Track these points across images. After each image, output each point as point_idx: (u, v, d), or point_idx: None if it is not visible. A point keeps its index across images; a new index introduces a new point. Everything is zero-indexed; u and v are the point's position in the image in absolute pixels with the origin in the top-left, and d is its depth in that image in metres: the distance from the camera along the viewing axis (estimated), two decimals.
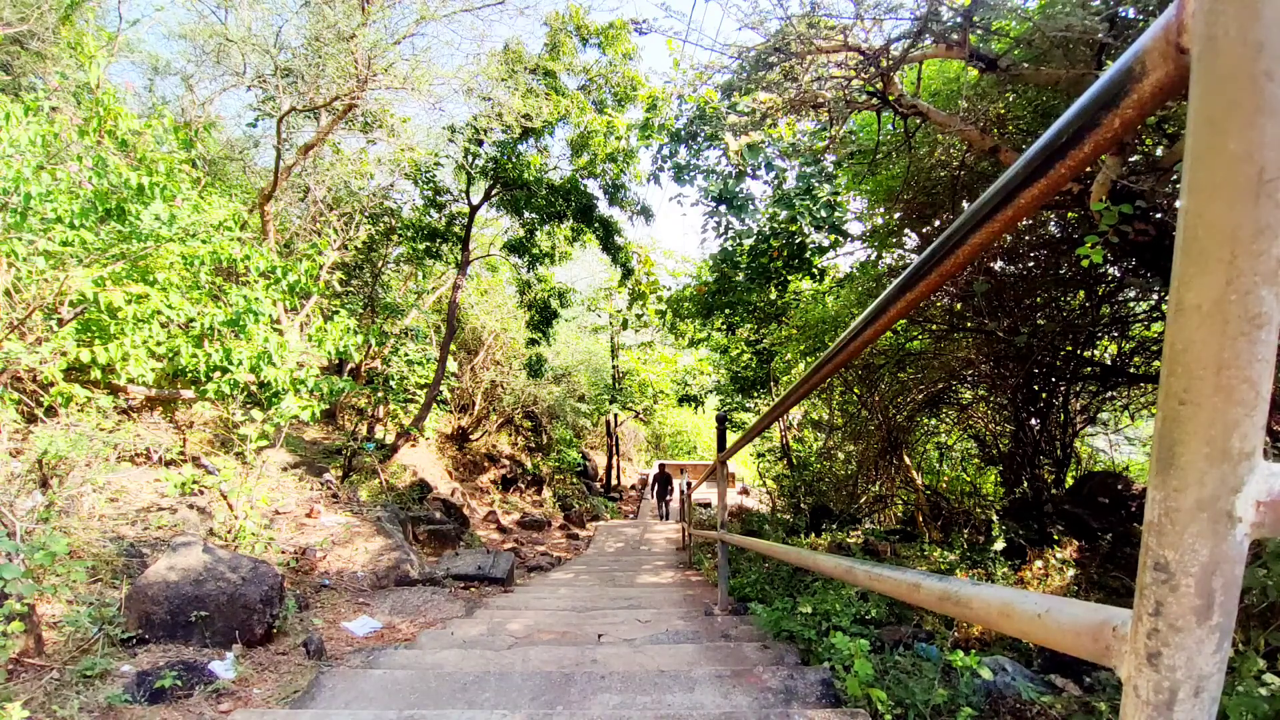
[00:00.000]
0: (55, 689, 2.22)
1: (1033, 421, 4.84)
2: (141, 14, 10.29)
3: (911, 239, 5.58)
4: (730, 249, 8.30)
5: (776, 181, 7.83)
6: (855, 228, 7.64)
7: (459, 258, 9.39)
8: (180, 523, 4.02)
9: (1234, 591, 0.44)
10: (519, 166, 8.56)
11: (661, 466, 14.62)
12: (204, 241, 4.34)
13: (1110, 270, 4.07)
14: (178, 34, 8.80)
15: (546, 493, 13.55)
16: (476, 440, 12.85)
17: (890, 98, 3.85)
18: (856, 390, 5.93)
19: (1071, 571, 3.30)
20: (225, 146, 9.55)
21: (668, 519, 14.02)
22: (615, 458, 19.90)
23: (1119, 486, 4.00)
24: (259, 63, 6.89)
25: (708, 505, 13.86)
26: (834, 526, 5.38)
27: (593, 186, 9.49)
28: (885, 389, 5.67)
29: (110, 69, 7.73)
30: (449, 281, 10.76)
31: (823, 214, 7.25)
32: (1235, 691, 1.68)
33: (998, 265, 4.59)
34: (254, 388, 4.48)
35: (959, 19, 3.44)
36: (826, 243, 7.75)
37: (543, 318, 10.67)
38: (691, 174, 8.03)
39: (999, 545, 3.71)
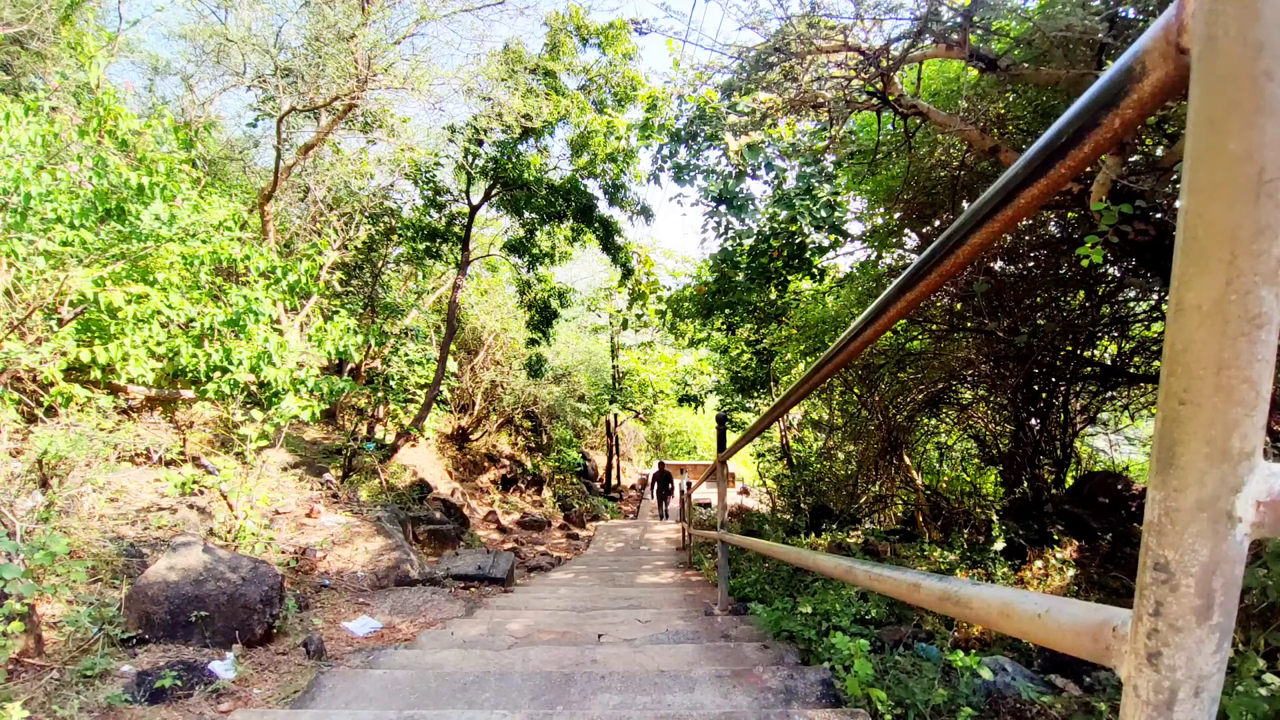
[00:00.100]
0: (55, 689, 2.22)
1: (1033, 421, 4.84)
2: (141, 14, 10.30)
3: (911, 239, 5.58)
4: (730, 249, 8.30)
5: (776, 181, 7.83)
6: (855, 228, 7.64)
7: (459, 258, 9.39)
8: (180, 523, 4.02)
9: (1234, 591, 0.44)
10: (519, 166, 8.56)
11: (661, 465, 14.61)
12: (204, 241, 4.34)
13: (1110, 270, 4.07)
14: (178, 34, 8.81)
15: (546, 493, 13.55)
16: (476, 440, 12.85)
17: (890, 98, 3.85)
18: (856, 390, 5.93)
19: (1071, 571, 3.30)
20: (225, 146, 9.55)
21: (667, 518, 14.01)
22: (615, 458, 19.90)
23: (1119, 486, 4.00)
24: (259, 63, 6.89)
25: (708, 505, 13.86)
26: (834, 526, 5.38)
27: (593, 186, 9.49)
28: (885, 389, 5.67)
29: (110, 69, 7.73)
30: (449, 281, 10.76)
31: (823, 214, 7.25)
32: (1235, 691, 1.68)
33: (998, 265, 4.59)
34: (254, 388, 4.48)
35: (959, 19, 3.44)
36: (826, 243, 7.75)
37: (543, 318, 10.67)
38: (691, 174, 8.03)
39: (999, 545, 3.71)
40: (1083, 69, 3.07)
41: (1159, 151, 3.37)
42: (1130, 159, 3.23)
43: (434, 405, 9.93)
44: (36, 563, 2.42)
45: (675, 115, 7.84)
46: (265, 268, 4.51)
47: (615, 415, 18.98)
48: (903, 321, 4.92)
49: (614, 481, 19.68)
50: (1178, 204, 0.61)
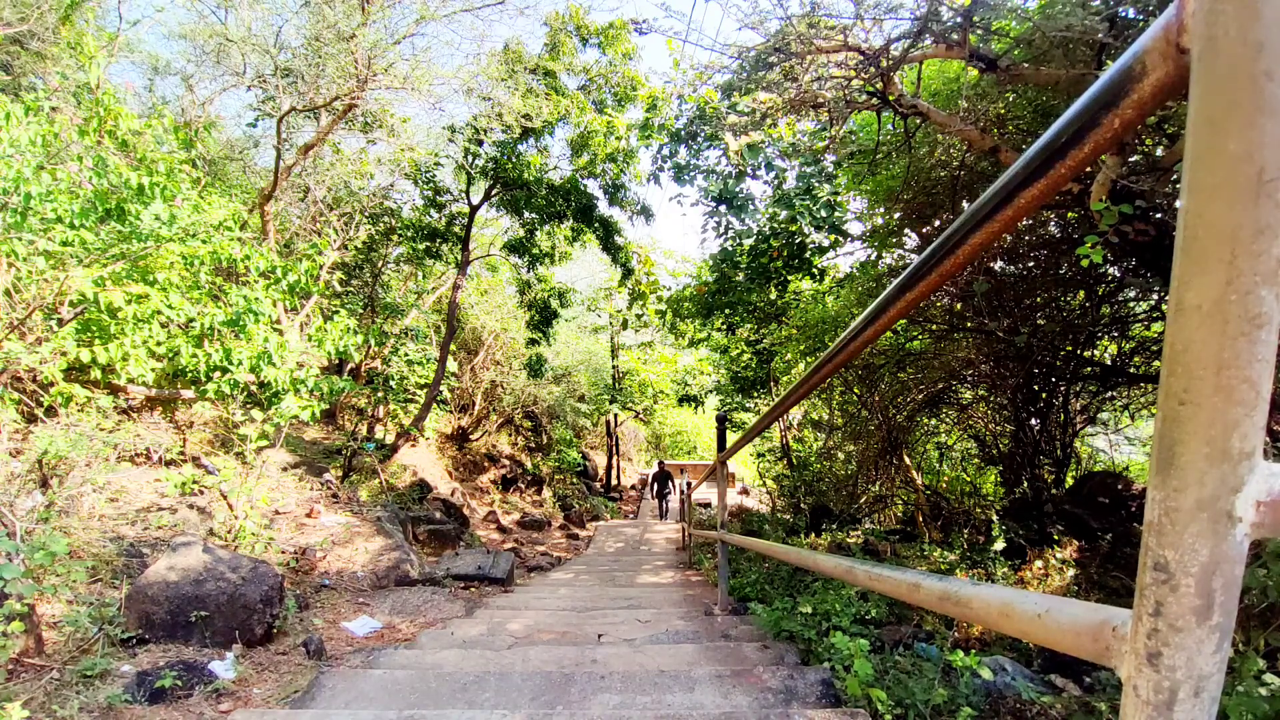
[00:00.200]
0: (55, 689, 2.22)
1: (1033, 421, 4.84)
2: (141, 14, 10.30)
3: (911, 239, 5.58)
4: (730, 249, 8.30)
5: (776, 181, 7.83)
6: (855, 228, 7.64)
7: (459, 258, 9.39)
8: (180, 523, 4.02)
9: (1234, 591, 0.44)
10: (519, 166, 8.56)
11: (661, 465, 14.59)
12: (204, 241, 4.34)
13: (1110, 270, 4.07)
14: (178, 34, 8.80)
15: (546, 493, 13.55)
16: (476, 440, 12.85)
17: (890, 98, 3.85)
18: (856, 390, 5.93)
19: (1071, 571, 3.30)
20: (225, 146, 9.55)
21: (666, 518, 14.00)
22: (615, 458, 19.90)
23: (1119, 486, 4.00)
24: (259, 63, 6.89)
25: (708, 505, 13.85)
26: (834, 526, 5.38)
27: (593, 186, 9.49)
28: (885, 389, 5.67)
29: (110, 69, 7.73)
30: (449, 281, 10.76)
31: (823, 214, 7.25)
32: (1235, 691, 1.68)
33: (998, 265, 4.59)
34: (254, 388, 4.48)
35: (959, 19, 3.44)
36: (826, 243, 7.75)
37: (543, 318, 10.67)
38: (691, 174, 8.03)
39: (999, 545, 3.71)
40: (1083, 69, 3.07)
41: (1159, 151, 3.37)
42: (1130, 159, 3.23)
43: (434, 405, 9.93)
44: (36, 563, 2.42)
45: (675, 115, 7.84)
46: (265, 268, 4.51)
47: (615, 415, 18.98)
48: (903, 321, 4.92)
49: (614, 481, 19.68)
50: (1178, 204, 0.61)
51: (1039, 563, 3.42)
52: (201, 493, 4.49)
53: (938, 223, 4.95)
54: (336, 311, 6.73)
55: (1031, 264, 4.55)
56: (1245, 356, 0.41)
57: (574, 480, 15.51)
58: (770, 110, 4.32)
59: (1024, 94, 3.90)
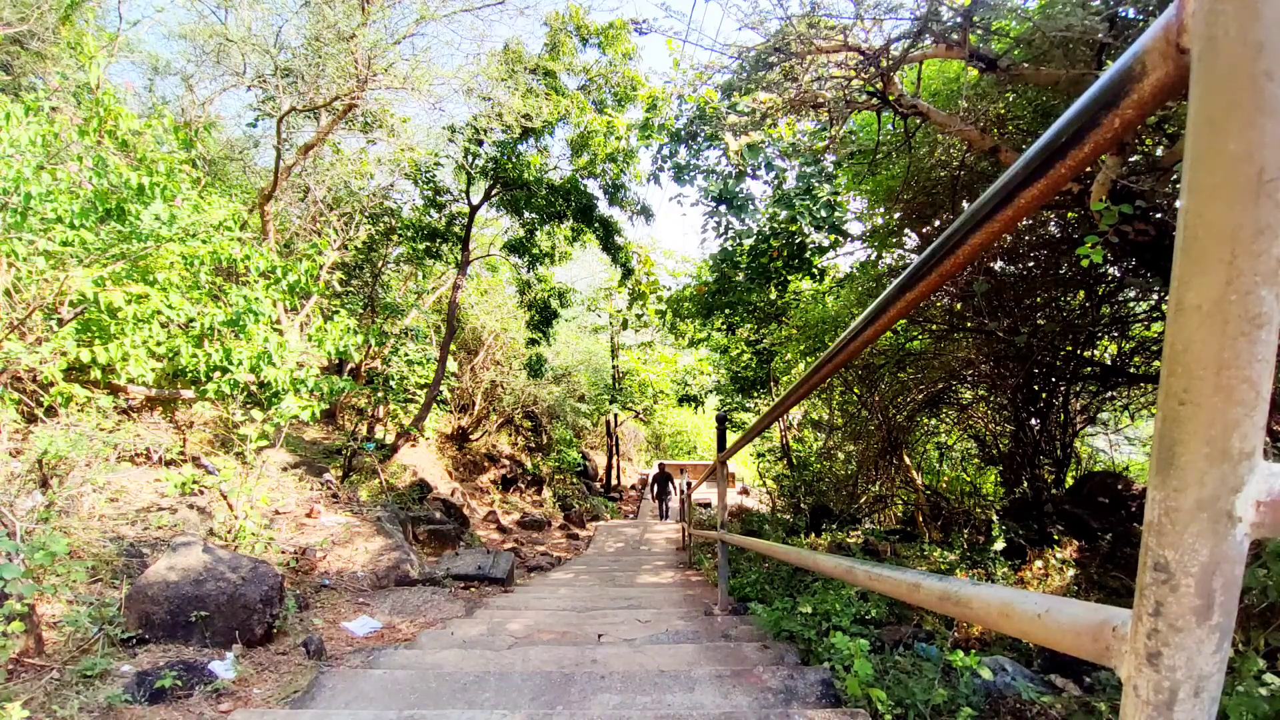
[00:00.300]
0: (55, 689, 2.22)
1: (1033, 421, 4.84)
2: (142, 14, 10.30)
3: (911, 239, 5.58)
4: (730, 249, 8.30)
5: (776, 181, 7.83)
6: (855, 228, 7.64)
7: (459, 258, 9.39)
8: (180, 523, 4.02)
9: (1234, 591, 0.44)
10: (519, 166, 8.56)
11: (662, 466, 14.60)
12: (204, 241, 4.34)
13: (1110, 270, 4.07)
14: (178, 34, 8.80)
15: (546, 493, 13.55)
16: (476, 440, 12.85)
17: (890, 98, 3.85)
18: (856, 390, 5.93)
19: (1071, 571, 3.30)
20: (225, 146, 9.55)
21: (667, 519, 14.00)
22: (615, 458, 19.90)
23: (1119, 486, 4.00)
24: (259, 63, 6.89)
25: (708, 505, 13.85)
26: (834, 526, 5.38)
27: (593, 186, 9.49)
28: (885, 389, 5.67)
29: (110, 69, 7.73)
30: (449, 281, 10.76)
31: (823, 214, 7.25)
32: (1235, 691, 1.67)
33: (998, 265, 4.59)
34: (254, 388, 4.48)
35: (959, 19, 3.44)
36: (826, 243, 7.75)
37: (543, 318, 10.67)
38: (691, 174, 8.03)
39: (999, 545, 3.71)
40: (1083, 69, 3.07)
41: (1159, 151, 3.37)
42: (1130, 159, 3.23)
43: (434, 405, 9.93)
44: (36, 563, 2.42)
45: (675, 115, 7.84)
46: (265, 268, 4.51)
47: (615, 415, 18.98)
48: (903, 321, 4.92)
49: (614, 481, 19.68)
50: (1178, 204, 0.61)
51: (1039, 563, 3.42)
52: (201, 493, 4.49)
53: (938, 223, 4.95)
54: (336, 311, 6.74)
55: (1031, 264, 4.55)
56: (1245, 356, 0.41)
57: (574, 480, 15.51)
58: (770, 110, 4.32)
59: (1024, 94, 3.90)
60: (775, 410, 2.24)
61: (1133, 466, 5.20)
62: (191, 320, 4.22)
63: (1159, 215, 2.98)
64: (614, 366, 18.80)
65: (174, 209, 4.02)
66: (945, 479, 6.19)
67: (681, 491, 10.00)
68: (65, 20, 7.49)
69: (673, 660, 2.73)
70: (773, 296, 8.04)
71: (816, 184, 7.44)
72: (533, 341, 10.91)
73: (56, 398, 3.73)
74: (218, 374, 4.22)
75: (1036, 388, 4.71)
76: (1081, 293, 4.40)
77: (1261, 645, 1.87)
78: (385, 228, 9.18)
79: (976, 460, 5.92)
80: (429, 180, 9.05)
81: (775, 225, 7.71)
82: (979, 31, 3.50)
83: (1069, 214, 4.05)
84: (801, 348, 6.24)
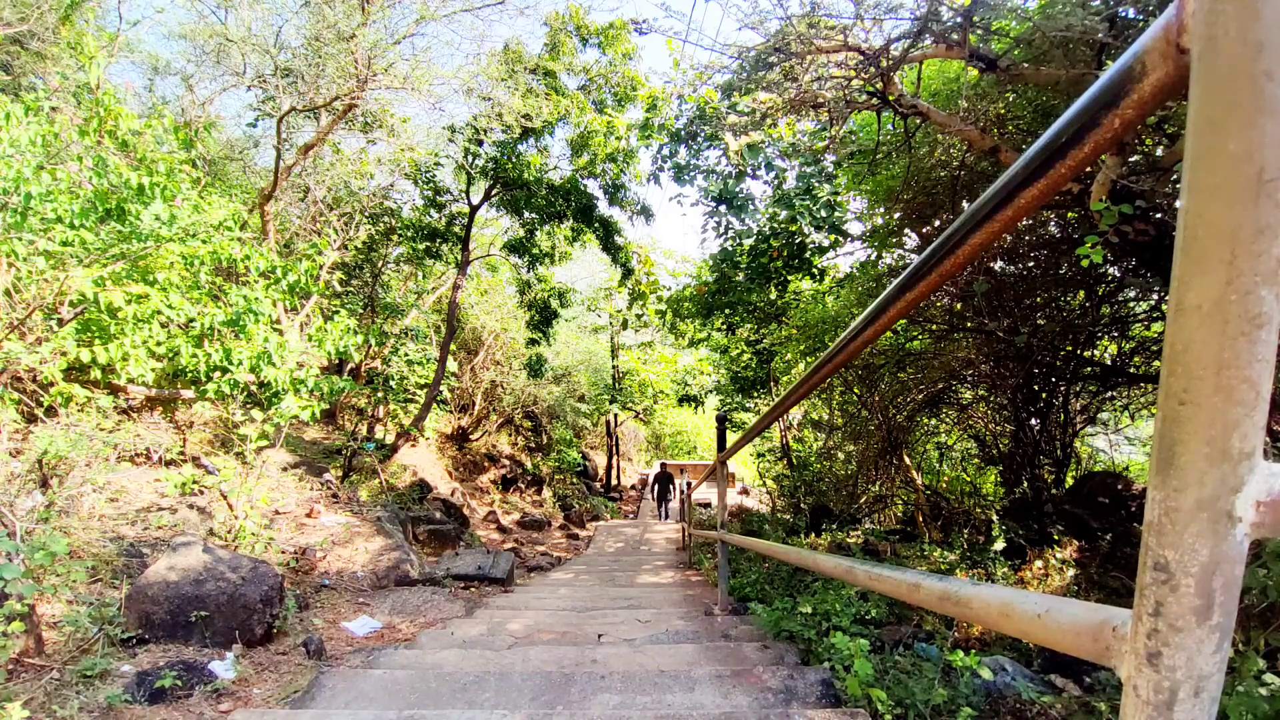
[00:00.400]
0: (55, 689, 2.22)
1: (1033, 421, 4.84)
2: (142, 14, 10.30)
3: (911, 239, 5.58)
4: (730, 249, 8.30)
5: (776, 181, 7.83)
6: (855, 228, 7.64)
7: (459, 258, 9.39)
8: (180, 523, 4.02)
9: (1234, 591, 0.44)
10: (519, 166, 8.56)
11: (663, 466, 14.57)
12: (204, 241, 4.34)
13: (1110, 270, 4.07)
14: (178, 34, 8.81)
15: (546, 493, 13.55)
16: (476, 440, 12.85)
17: (890, 98, 3.85)
18: (856, 390, 5.93)
19: (1071, 571, 3.30)
20: (225, 146, 9.55)
21: (667, 519, 14.00)
22: (615, 458, 19.89)
23: (1119, 486, 4.00)
24: (259, 63, 6.89)
25: (708, 505, 13.85)
26: (834, 526, 5.38)
27: (593, 186, 9.49)
28: (885, 389, 5.67)
29: (110, 69, 7.73)
30: (449, 281, 10.76)
31: (823, 214, 7.25)
32: (1235, 691, 1.67)
33: (998, 265, 4.59)
34: (254, 388, 4.48)
35: (959, 19, 3.44)
36: (826, 243, 7.75)
37: (543, 318, 10.67)
38: (691, 174, 8.03)
39: (999, 545, 3.71)
40: (1083, 69, 3.07)
41: (1159, 151, 3.37)
42: (1130, 159, 3.23)
43: (434, 405, 9.93)
44: (36, 563, 2.42)
45: (675, 115, 7.85)
46: (265, 268, 4.51)
47: (615, 415, 18.98)
48: (903, 321, 4.92)
49: (614, 481, 19.68)
50: (1178, 204, 0.61)
51: (1039, 563, 3.42)
52: (201, 493, 4.49)
53: (938, 223, 4.95)
54: (336, 311, 6.74)
55: (1031, 264, 4.55)
56: (1245, 356, 0.41)
57: (574, 480, 15.51)
58: (770, 110, 4.32)
59: (1024, 94, 3.90)
60: (775, 410, 2.24)
61: (1133, 466, 5.20)
62: (191, 320, 4.22)
63: (1159, 215, 2.98)
64: (614, 366, 18.80)
65: (174, 209, 4.02)
66: (945, 479, 6.19)
67: (682, 491, 10.00)
68: (65, 20, 7.49)
69: (673, 660, 2.73)
70: (773, 296, 8.04)
71: (816, 184, 7.44)
72: (533, 341, 10.91)
73: (56, 398, 3.73)
74: (218, 374, 4.22)
75: (1036, 388, 4.71)
76: (1081, 293, 4.40)
77: (1261, 645, 1.87)
78: (385, 228, 9.18)
79: (976, 460, 5.92)
80: (429, 180, 9.05)
81: (775, 225, 7.71)
82: (979, 31, 3.50)
83: (1069, 214, 4.05)
84: (801, 348, 6.25)
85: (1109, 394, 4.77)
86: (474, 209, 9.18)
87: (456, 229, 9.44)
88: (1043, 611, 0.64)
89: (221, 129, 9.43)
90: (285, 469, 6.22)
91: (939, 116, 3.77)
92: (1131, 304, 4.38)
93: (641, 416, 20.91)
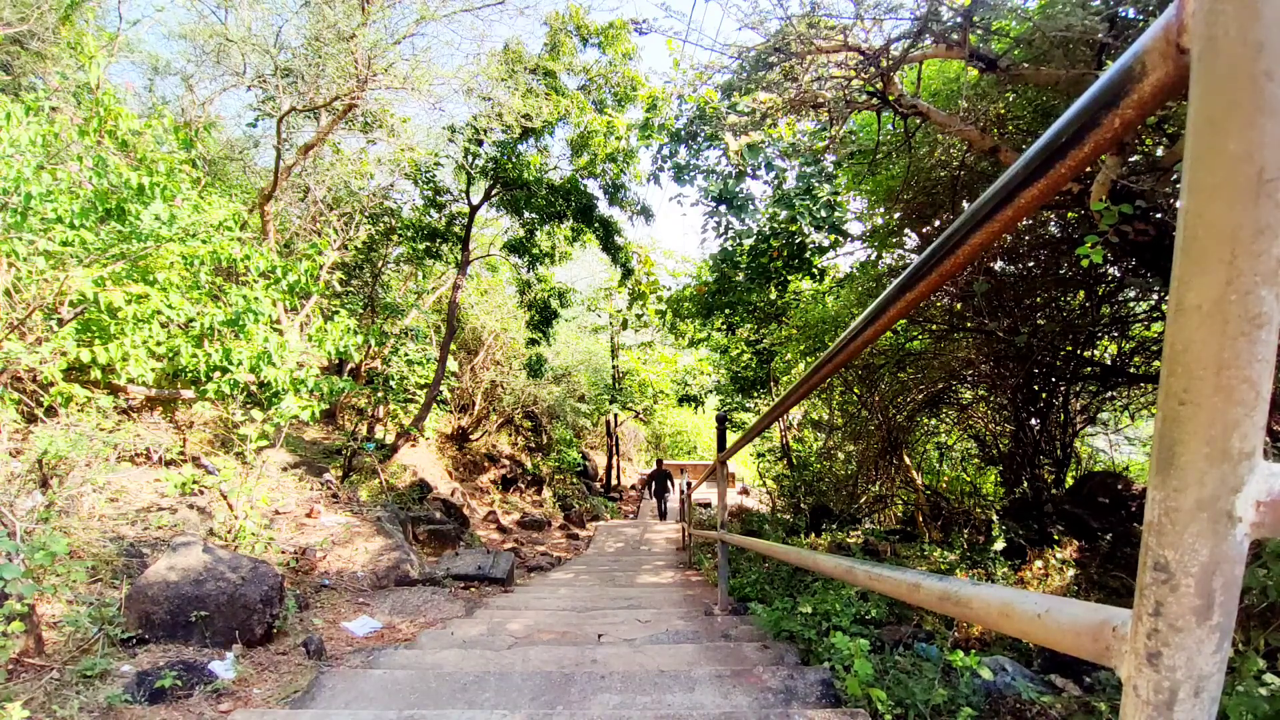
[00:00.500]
0: (55, 689, 2.22)
1: (1033, 421, 4.84)
2: (142, 14, 10.30)
3: (911, 239, 5.58)
4: (730, 249, 8.30)
5: (776, 181, 7.83)
6: (855, 228, 7.64)
7: (459, 258, 9.39)
8: (180, 523, 4.02)
9: (1234, 591, 0.44)
10: (519, 166, 8.56)
11: (660, 463, 14.47)
12: (204, 241, 4.34)
13: (1110, 270, 4.07)
14: (178, 34, 8.80)
15: (546, 493, 13.54)
16: (476, 440, 12.85)
17: (890, 98, 3.85)
18: (856, 390, 5.93)
19: (1071, 571, 3.30)
20: (225, 146, 9.55)
21: (665, 518, 13.97)
22: (615, 458, 19.89)
23: (1119, 486, 4.00)
24: (259, 63, 6.89)
25: (708, 505, 13.85)
26: (834, 526, 5.38)
27: (593, 186, 9.49)
28: (885, 389, 5.67)
29: (110, 69, 7.73)
30: (449, 281, 10.76)
31: (823, 214, 7.25)
32: (1235, 691, 1.67)
33: (998, 265, 4.59)
34: (254, 388, 4.48)
35: (959, 19, 3.44)
36: (826, 243, 7.75)
37: (543, 318, 10.67)
38: (691, 174, 8.03)
39: (999, 545, 3.71)
40: (1083, 69, 3.07)
41: (1159, 151, 3.37)
42: (1130, 159, 3.23)
43: (434, 405, 9.93)
44: (36, 563, 2.42)
45: (675, 115, 7.85)
46: (265, 268, 4.51)
47: (615, 415, 18.97)
48: (903, 321, 4.92)
49: (614, 481, 19.67)
50: (1178, 204, 0.61)
51: (1039, 563, 3.42)
52: (201, 493, 4.49)
53: (938, 223, 4.95)
54: (336, 311, 6.74)
55: (1031, 264, 4.55)
56: (1245, 356, 0.41)
57: (574, 480, 15.50)
58: (770, 110, 4.32)
59: (1024, 94, 3.90)
60: (775, 410, 2.24)
61: (1133, 466, 5.20)
62: (191, 320, 4.22)
63: (1159, 215, 2.98)
64: (614, 366, 18.80)
65: (174, 209, 4.02)
66: (945, 479, 6.19)
67: (681, 491, 10.00)
68: (65, 20, 7.49)
69: (673, 660, 2.73)
70: (773, 296, 8.04)
71: (816, 184, 7.44)
72: (533, 341, 10.91)
73: (56, 398, 3.73)
74: (218, 374, 4.22)
75: (1036, 388, 4.71)
76: (1081, 293, 4.40)
77: (1261, 645, 1.87)
78: (385, 228, 9.18)
79: (976, 460, 5.92)
80: (429, 180, 9.05)
81: (775, 225, 7.71)
82: (979, 31, 3.50)
83: (1069, 214, 4.05)
84: (801, 348, 6.25)
85: (1109, 394, 4.77)
86: (474, 209, 9.18)
87: (456, 229, 9.44)
88: (1043, 611, 0.64)
89: (221, 129, 9.43)
90: (285, 469, 6.22)
91: (939, 116, 3.77)
92: (1131, 304, 4.38)
93: (641, 416, 20.90)
